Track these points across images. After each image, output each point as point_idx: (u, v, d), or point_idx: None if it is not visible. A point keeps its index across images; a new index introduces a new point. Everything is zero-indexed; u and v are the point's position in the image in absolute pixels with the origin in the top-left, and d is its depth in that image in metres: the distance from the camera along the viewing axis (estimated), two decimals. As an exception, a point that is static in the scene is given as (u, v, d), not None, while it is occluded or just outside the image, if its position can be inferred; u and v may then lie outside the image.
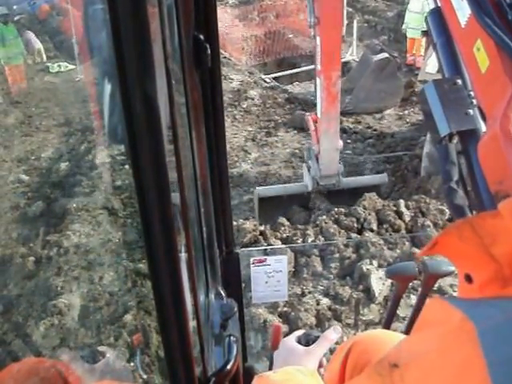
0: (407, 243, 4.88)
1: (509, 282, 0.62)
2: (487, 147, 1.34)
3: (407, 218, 5.37)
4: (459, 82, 1.51)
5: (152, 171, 0.67)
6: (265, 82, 12.29)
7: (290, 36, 14.10)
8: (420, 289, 1.89)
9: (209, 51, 1.08)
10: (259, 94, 11.40)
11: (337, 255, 4.81)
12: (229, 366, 1.14)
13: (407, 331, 1.90)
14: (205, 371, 1.05)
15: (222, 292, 1.43)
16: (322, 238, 5.22)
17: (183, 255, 0.83)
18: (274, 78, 12.79)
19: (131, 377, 1.35)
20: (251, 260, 1.80)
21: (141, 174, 0.67)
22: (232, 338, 1.24)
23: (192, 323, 0.87)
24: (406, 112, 10.46)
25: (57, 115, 10.16)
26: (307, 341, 1.44)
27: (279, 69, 13.60)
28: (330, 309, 4.27)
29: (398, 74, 10.29)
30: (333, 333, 1.43)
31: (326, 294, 4.47)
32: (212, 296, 1.38)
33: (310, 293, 4.50)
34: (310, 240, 5.19)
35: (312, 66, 11.74)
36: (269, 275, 1.80)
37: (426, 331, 0.66)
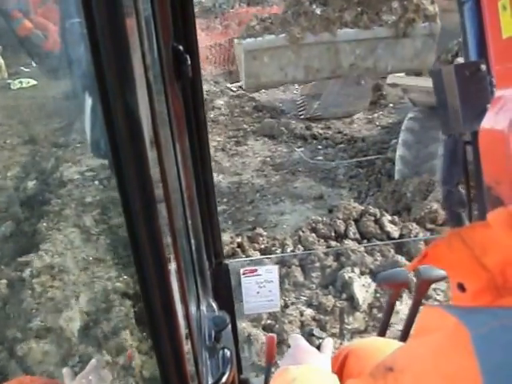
0: (388, 249, 4.84)
1: (502, 291, 0.62)
2: (491, 135, 1.27)
3: (386, 224, 5.33)
4: (483, 67, 1.35)
5: (137, 184, 0.66)
6: (231, 90, 12.13)
7: None
8: (413, 294, 1.88)
9: (189, 62, 1.07)
10: (226, 103, 11.23)
11: (317, 264, 4.75)
12: (224, 379, 1.13)
13: (403, 338, 1.89)
14: (200, 384, 1.04)
15: (213, 304, 1.41)
16: (302, 248, 5.16)
17: (173, 268, 0.82)
18: (240, 87, 12.61)
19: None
20: (241, 271, 1.79)
21: (126, 187, 0.66)
22: (226, 350, 1.22)
23: (185, 337, 0.86)
24: (376, 115, 10.42)
25: (21, 132, 9.94)
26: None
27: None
28: (314, 319, 4.20)
29: (365, 77, 10.31)
30: (330, 341, 1.44)
31: (310, 305, 4.38)
32: (204, 308, 1.37)
33: (292, 304, 4.41)
34: (289, 250, 5.10)
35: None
36: (260, 285, 1.79)
37: (422, 337, 0.66)
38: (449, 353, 0.57)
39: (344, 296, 4.36)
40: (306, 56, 4.29)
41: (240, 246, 5.27)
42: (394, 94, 10.42)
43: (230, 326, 1.36)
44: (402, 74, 5.70)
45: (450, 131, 1.44)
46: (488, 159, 1.29)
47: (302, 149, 8.81)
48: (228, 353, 1.21)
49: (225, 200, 7.42)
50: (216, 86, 12.17)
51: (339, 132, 9.89)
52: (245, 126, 10.43)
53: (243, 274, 1.78)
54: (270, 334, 1.51)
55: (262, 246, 5.29)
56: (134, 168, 0.65)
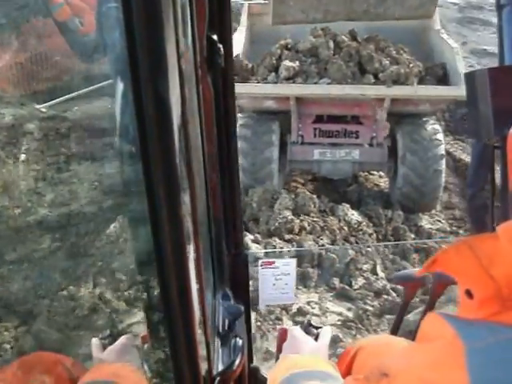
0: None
1: (507, 303, 0.63)
2: None
3: (251, 244, 4.99)
4: None
5: (162, 171, 0.67)
6: (41, 112, 10.75)
7: (58, 58, 12.00)
8: (428, 296, 1.88)
9: (222, 51, 1.08)
10: (38, 126, 9.82)
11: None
12: (234, 366, 1.14)
13: (415, 338, 1.88)
14: (210, 370, 1.05)
15: (229, 293, 1.43)
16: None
17: (191, 255, 0.83)
18: (51, 107, 11.21)
19: (140, 361, 1.34)
20: (259, 262, 1.80)
21: (151, 174, 0.67)
22: (238, 339, 1.24)
23: (199, 323, 0.87)
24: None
25: None
26: (307, 333, 1.44)
27: (54, 95, 11.59)
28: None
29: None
30: (329, 330, 1.45)
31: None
32: (219, 297, 1.38)
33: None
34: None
35: (91, 88, 10.44)
36: (276, 278, 1.80)
37: (420, 345, 0.69)
38: (442, 364, 0.58)
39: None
40: (325, 2, 4.87)
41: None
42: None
43: (244, 315, 1.37)
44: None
45: (480, 135, 1.41)
46: None
47: (133, 167, 7.84)
48: (240, 342, 1.22)
49: (57, 236, 6.38)
50: (23, 108, 10.51)
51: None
52: (64, 149, 8.55)
53: (261, 265, 1.79)
54: (282, 327, 1.52)
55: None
56: (160, 155, 0.66)
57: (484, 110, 1.36)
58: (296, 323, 4.03)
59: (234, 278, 1.54)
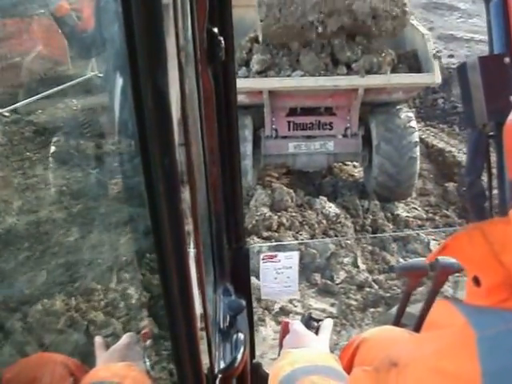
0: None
1: None
2: None
3: None
4: (507, 60, 1.36)
5: (161, 166, 0.66)
6: (4, 116, 10.45)
7: (18, 59, 11.46)
8: (431, 285, 1.87)
9: (223, 44, 1.06)
10: (1, 130, 9.84)
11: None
12: (236, 363, 1.13)
13: (417, 328, 1.88)
14: (212, 368, 1.04)
15: (230, 288, 1.42)
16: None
17: (192, 250, 0.82)
18: (13, 111, 10.83)
19: (143, 360, 1.32)
20: (261, 256, 1.78)
21: (151, 169, 0.66)
22: (240, 334, 1.23)
23: (200, 319, 0.87)
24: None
25: None
26: (307, 327, 1.43)
27: (16, 99, 11.15)
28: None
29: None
30: (330, 322, 1.44)
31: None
32: (220, 292, 1.37)
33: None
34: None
35: (54, 89, 10.03)
36: (278, 271, 1.79)
37: (430, 333, 0.67)
38: (453, 352, 0.58)
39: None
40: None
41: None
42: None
43: (245, 310, 1.36)
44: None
45: (474, 123, 1.42)
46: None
47: (98, 169, 7.71)
48: (242, 338, 1.21)
49: (26, 245, 5.66)
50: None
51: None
52: (29, 154, 8.17)
53: (263, 259, 1.78)
54: (284, 320, 1.51)
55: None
56: (159, 150, 0.65)
57: (476, 97, 1.39)
58: (279, 323, 3.97)
59: (235, 272, 1.54)
